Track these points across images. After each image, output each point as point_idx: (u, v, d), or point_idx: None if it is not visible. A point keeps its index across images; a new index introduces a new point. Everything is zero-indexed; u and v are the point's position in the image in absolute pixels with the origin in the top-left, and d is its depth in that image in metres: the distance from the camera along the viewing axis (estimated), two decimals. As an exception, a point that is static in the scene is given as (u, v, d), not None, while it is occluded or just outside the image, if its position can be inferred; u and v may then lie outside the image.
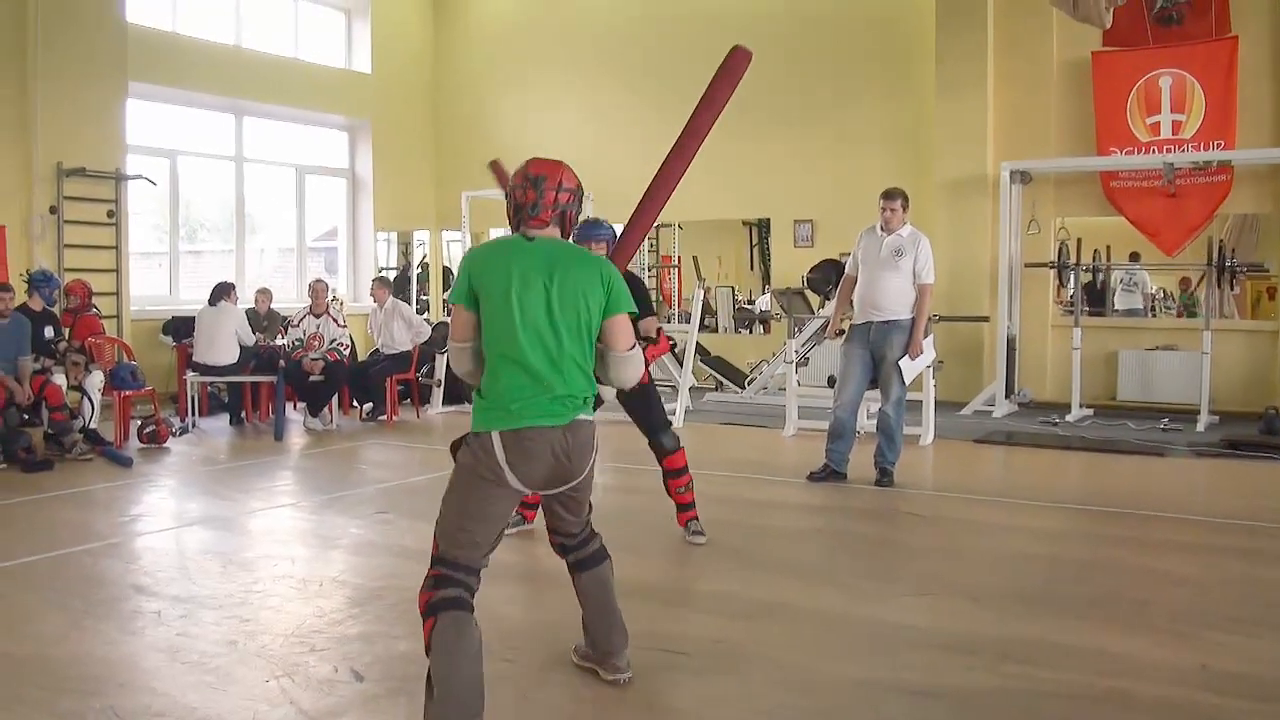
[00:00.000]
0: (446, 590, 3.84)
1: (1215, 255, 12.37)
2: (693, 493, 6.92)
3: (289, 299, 15.05)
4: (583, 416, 4.06)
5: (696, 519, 6.92)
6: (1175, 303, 15.90)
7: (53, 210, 12.75)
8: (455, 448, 4.08)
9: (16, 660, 4.82)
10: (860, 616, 5.41)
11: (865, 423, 9.95)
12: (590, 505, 4.45)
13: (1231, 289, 13.56)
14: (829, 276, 12.59)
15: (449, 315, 13.07)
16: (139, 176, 13.63)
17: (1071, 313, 13.13)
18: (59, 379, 10.15)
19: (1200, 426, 11.50)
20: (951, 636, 5.09)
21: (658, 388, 7.18)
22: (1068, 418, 12.13)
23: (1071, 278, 13.59)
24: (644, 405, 6.84)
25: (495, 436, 3.90)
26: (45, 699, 4.37)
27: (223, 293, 12.26)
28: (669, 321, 15.70)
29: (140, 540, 7.26)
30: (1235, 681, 4.54)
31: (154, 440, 10.63)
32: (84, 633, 5.23)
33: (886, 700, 4.34)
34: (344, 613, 5.47)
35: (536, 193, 4.10)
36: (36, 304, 10.59)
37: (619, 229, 5.83)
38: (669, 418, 7.03)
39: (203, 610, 5.56)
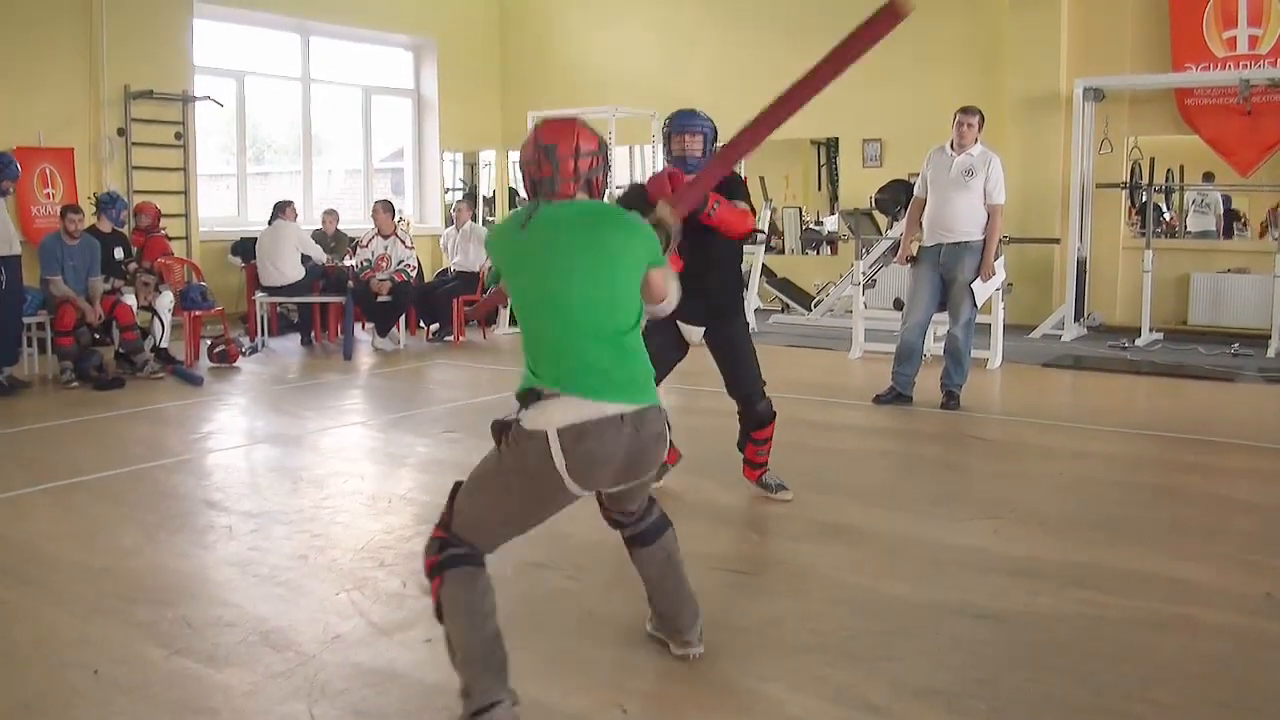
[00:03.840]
0: (454, 550, 3.46)
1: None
2: (768, 456, 6.14)
3: (356, 220, 15.10)
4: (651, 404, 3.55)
5: (769, 470, 6.15)
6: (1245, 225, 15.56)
7: (121, 133, 12.83)
8: (499, 432, 3.47)
9: (94, 571, 4.93)
10: (924, 540, 5.41)
11: (932, 345, 9.87)
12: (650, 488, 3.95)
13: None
14: (898, 197, 12.44)
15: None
16: (206, 98, 13.68)
17: (1143, 234, 12.91)
18: (129, 299, 10.27)
19: (1271, 352, 11.30)
20: (1017, 561, 5.08)
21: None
22: (1137, 342, 11.97)
23: (1144, 198, 13.35)
24: (734, 360, 5.95)
25: (553, 434, 3.34)
26: (121, 608, 4.47)
27: (279, 211, 12.30)
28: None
29: (211, 457, 7.37)
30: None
31: (224, 359, 10.76)
32: (158, 546, 5.33)
33: (949, 622, 4.34)
34: (412, 529, 5.53)
35: (552, 165, 3.50)
36: (105, 225, 10.69)
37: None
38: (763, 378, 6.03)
39: (273, 525, 5.66)
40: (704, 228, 5.39)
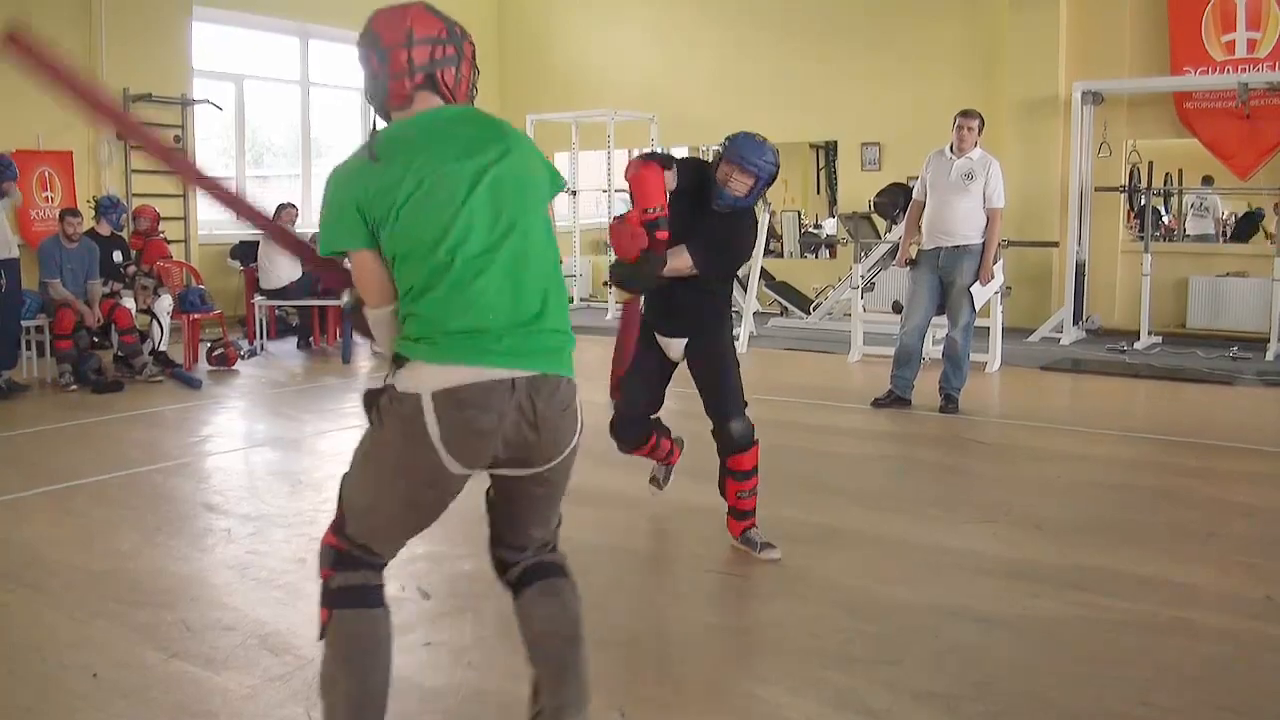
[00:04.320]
0: (350, 574, 2.93)
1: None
2: (756, 497, 5.24)
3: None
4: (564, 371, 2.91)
5: (756, 527, 5.25)
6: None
7: (120, 136, 12.82)
8: (370, 401, 2.91)
9: (94, 574, 4.94)
10: (923, 543, 5.41)
11: (931, 349, 9.88)
12: (560, 516, 3.24)
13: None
14: (896, 200, 12.43)
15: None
16: (205, 101, 13.68)
17: (1141, 238, 12.92)
18: (128, 302, 10.26)
19: (1270, 355, 11.29)
20: (1015, 564, 5.09)
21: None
22: (1136, 345, 11.97)
23: (1143, 202, 13.36)
24: (713, 374, 5.21)
25: (426, 399, 2.74)
26: (121, 611, 4.47)
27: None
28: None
29: (210, 460, 7.38)
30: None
31: (223, 363, 10.76)
32: (157, 549, 5.33)
33: (948, 625, 4.34)
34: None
35: (379, 61, 2.93)
36: (104, 229, 10.68)
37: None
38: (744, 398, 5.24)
39: (272, 528, 5.66)
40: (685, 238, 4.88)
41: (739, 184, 4.93)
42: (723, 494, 5.23)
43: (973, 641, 4.21)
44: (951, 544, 5.38)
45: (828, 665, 3.93)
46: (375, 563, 2.98)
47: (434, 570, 4.93)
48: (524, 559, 3.13)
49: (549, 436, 2.86)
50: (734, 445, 5.13)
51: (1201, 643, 4.21)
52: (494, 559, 3.20)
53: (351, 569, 2.94)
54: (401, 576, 4.83)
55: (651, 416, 5.47)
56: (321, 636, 2.94)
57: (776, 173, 5.00)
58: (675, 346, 5.25)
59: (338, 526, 2.97)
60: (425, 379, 2.73)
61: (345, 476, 2.97)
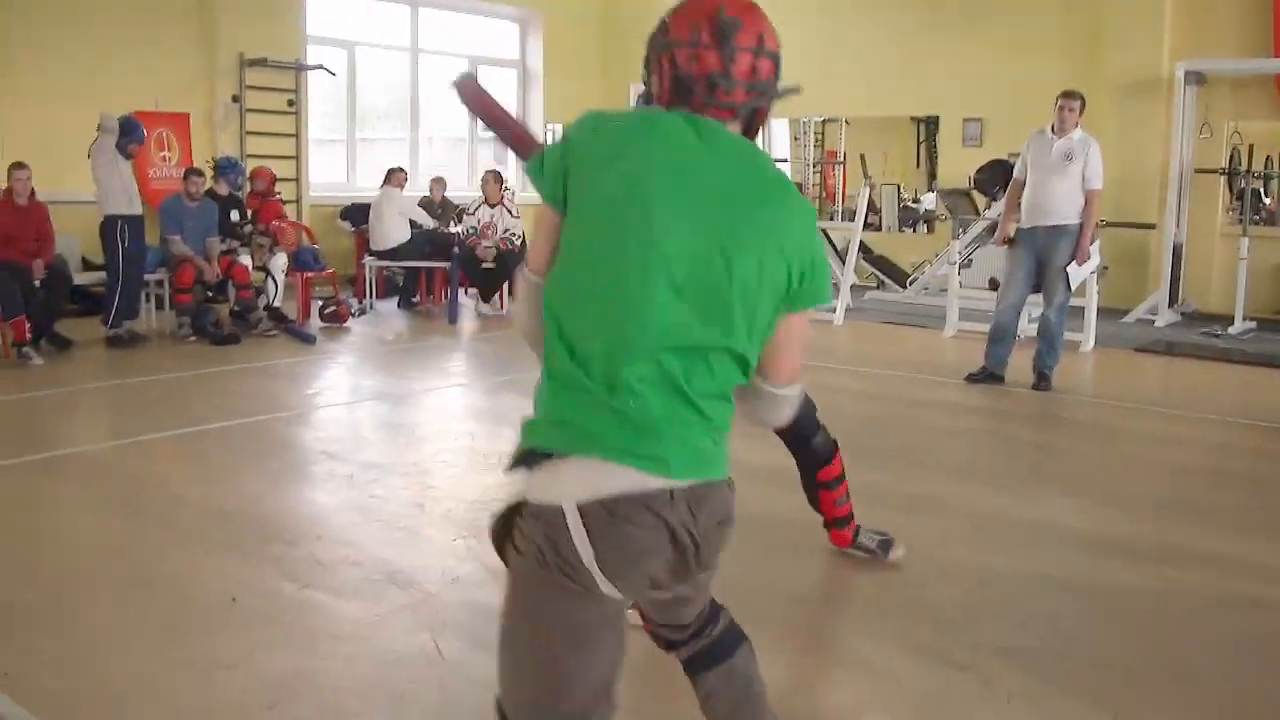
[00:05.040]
0: None
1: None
2: (851, 501, 4.87)
3: (459, 188, 15.43)
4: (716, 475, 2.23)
5: (860, 526, 4.90)
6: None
7: (235, 99, 13.23)
8: (499, 536, 2.29)
9: (227, 512, 5.28)
10: (1010, 515, 5.61)
11: (1026, 327, 9.99)
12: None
13: None
14: (996, 177, 12.51)
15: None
16: (319, 67, 14.06)
17: (1240, 222, 12.90)
18: (245, 259, 10.66)
19: (1369, 343, 11.29)
20: (1099, 538, 5.27)
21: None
22: (1230, 329, 11.98)
23: (1242, 185, 13.32)
24: None
25: (569, 509, 2.10)
26: (252, 546, 4.81)
27: (389, 177, 12.64)
28: (831, 219, 15.65)
29: (326, 412, 7.73)
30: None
31: (334, 320, 11.13)
32: (283, 491, 5.69)
33: (1031, 591, 4.57)
34: (520, 484, 5.81)
35: (724, 54, 2.16)
36: (222, 189, 11.07)
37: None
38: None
39: (390, 476, 5.98)
40: None
41: None
42: (815, 507, 4.87)
43: (1054, 608, 4.43)
44: (1038, 517, 5.57)
45: (915, 624, 4.15)
46: None
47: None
48: (684, 639, 2.64)
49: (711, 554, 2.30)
50: (817, 459, 4.72)
51: (1275, 617, 4.41)
52: (653, 637, 2.74)
53: None
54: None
55: None
56: None
57: None
58: None
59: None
60: None
61: (503, 675, 2.26)
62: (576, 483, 2.09)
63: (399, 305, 12.92)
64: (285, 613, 4.10)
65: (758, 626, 3.77)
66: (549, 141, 2.39)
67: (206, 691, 3.46)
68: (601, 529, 2.08)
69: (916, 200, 16.71)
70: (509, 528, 2.22)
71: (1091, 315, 10.72)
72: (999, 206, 10.39)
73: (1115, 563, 4.93)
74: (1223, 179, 13.33)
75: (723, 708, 2.63)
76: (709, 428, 2.16)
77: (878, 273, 14.85)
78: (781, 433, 4.48)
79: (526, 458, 2.17)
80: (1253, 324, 12.25)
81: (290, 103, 13.74)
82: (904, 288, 14.26)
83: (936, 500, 5.77)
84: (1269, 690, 3.78)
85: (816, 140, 17.01)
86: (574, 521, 2.08)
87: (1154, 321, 12.51)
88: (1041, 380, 8.70)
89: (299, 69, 13.84)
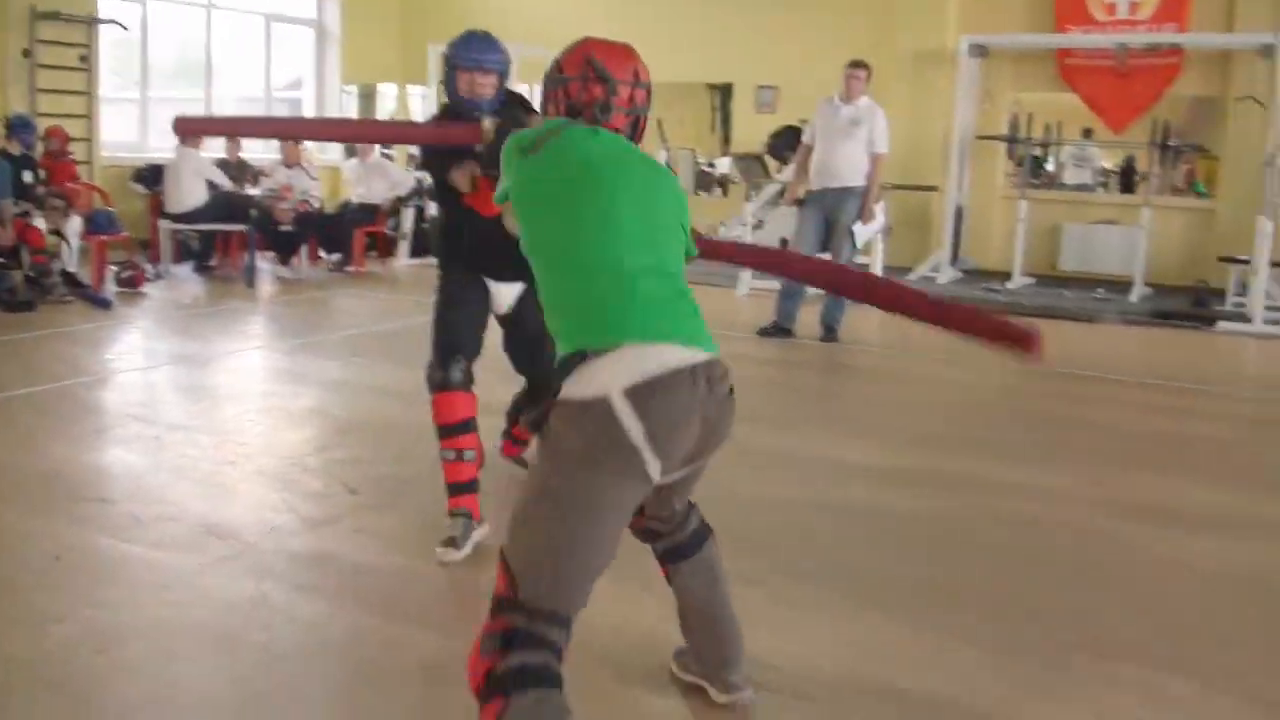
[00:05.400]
0: (526, 655, 2.51)
1: (1160, 134, 12.84)
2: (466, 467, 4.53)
3: (254, 149, 15.25)
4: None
5: (464, 512, 4.49)
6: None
7: (26, 54, 12.87)
8: (538, 422, 2.69)
9: (40, 473, 5.28)
10: (802, 453, 6.00)
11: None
12: None
13: (1174, 167, 14.12)
14: (788, 142, 12.96)
15: (416, 168, 13.43)
16: (112, 21, 13.75)
17: (1019, 186, 13.59)
18: (39, 223, 10.42)
19: (1133, 297, 12.05)
20: (882, 469, 5.72)
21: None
22: (1008, 285, 12.66)
23: (1020, 152, 14.03)
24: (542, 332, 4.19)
25: (616, 396, 2.54)
26: (69, 506, 4.84)
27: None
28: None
29: (130, 375, 7.70)
30: (1127, 510, 5.21)
31: (130, 285, 10.96)
32: (95, 453, 5.71)
33: (821, 518, 4.97)
34: (331, 439, 5.96)
35: (607, 89, 2.93)
36: (15, 148, 10.79)
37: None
38: None
39: (199, 436, 6.03)
40: None
41: (485, 85, 4.45)
42: (511, 422, 5.25)
43: (847, 527, 4.86)
44: (825, 454, 5.96)
45: (724, 549, 4.44)
46: (554, 636, 2.56)
47: (356, 471, 5.35)
48: (667, 530, 3.15)
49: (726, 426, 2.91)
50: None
51: (1038, 529, 4.92)
52: (636, 530, 3.13)
53: (527, 648, 2.52)
54: (326, 477, 5.28)
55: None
56: None
57: (509, 61, 4.59)
58: (508, 295, 4.69)
59: (505, 601, 2.59)
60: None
61: (516, 537, 2.64)
62: (618, 372, 2.55)
63: (195, 269, 12.74)
64: (108, 567, 4.19)
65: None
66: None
67: (40, 643, 3.53)
68: (644, 406, 2.53)
69: (711, 165, 17.12)
70: (540, 425, 2.64)
71: (877, 272, 11.22)
72: (790, 170, 10.78)
73: (896, 491, 5.36)
74: (1003, 146, 14.01)
75: (699, 592, 3.14)
76: (699, 314, 2.86)
77: (675, 235, 15.13)
78: (532, 374, 4.88)
79: (566, 363, 2.63)
80: (1031, 279, 12.97)
81: (83, 59, 13.41)
82: (700, 249, 14.58)
83: (735, 441, 6.00)
84: (1036, 590, 4.23)
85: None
86: (621, 406, 2.51)
87: (936, 279, 13.13)
88: (829, 333, 9.15)
89: (91, 23, 13.50)
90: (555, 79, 3.00)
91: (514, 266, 3.89)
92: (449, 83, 4.49)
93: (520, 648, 2.50)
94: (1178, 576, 4.48)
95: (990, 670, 3.56)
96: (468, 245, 4.53)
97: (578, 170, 2.82)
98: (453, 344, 4.48)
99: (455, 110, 4.49)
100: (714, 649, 3.19)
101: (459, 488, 4.48)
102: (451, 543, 4.33)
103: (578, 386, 2.57)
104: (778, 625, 3.77)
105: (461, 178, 4.29)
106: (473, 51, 4.48)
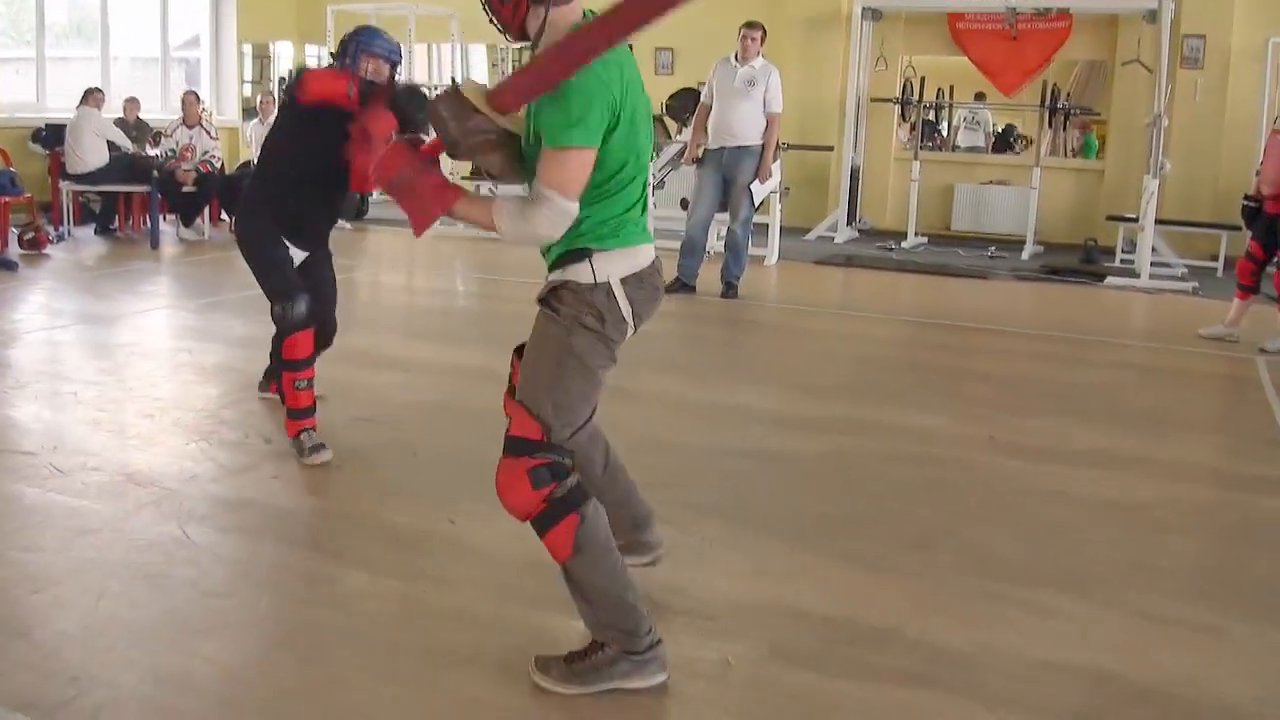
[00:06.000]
0: (568, 480, 3.12)
1: (1050, 97, 13.23)
2: (313, 392, 5.14)
3: (152, 110, 15.15)
4: None
5: (314, 429, 5.10)
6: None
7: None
8: (545, 299, 3.21)
9: (-46, 427, 5.38)
10: (704, 400, 6.26)
11: (714, 243, 10.67)
12: None
13: (1064, 130, 14.55)
14: (687, 104, 13.13)
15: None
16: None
17: (913, 147, 13.94)
18: (-61, 184, 10.37)
19: (1025, 255, 12.46)
20: (781, 415, 5.99)
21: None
22: (903, 244, 13.01)
23: (913, 114, 14.38)
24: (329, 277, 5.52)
25: (615, 284, 3.15)
26: (-11, 457, 4.96)
27: (85, 97, 12.33)
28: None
29: (39, 334, 7.72)
30: (1015, 449, 5.55)
31: (34, 246, 10.93)
32: (11, 409, 5.77)
33: (726, 460, 5.23)
34: (244, 393, 6.07)
35: None
36: (-87, 109, 10.72)
37: None
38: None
39: (114, 391, 6.14)
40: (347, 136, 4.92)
41: (382, 72, 5.02)
42: (275, 378, 5.56)
43: (745, 471, 5.11)
44: (728, 401, 6.23)
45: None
46: (570, 463, 3.18)
47: (270, 421, 5.50)
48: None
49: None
50: (282, 329, 5.14)
51: (934, 468, 5.23)
52: None
53: (567, 475, 3.13)
54: (242, 428, 5.43)
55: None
56: (574, 551, 3.07)
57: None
58: (297, 258, 5.21)
59: (536, 445, 3.12)
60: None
61: (542, 387, 3.15)
62: (617, 267, 3.15)
63: (96, 232, 12.69)
64: (34, 514, 4.30)
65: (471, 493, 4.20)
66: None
67: (-32, 587, 3.68)
68: (633, 291, 3.17)
69: (613, 126, 17.25)
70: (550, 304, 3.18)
71: (775, 231, 11.51)
72: (689, 131, 11.00)
73: (796, 434, 5.65)
74: (896, 108, 14.34)
75: (600, 460, 3.64)
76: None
77: (577, 195, 15.30)
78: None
79: (577, 255, 3.14)
80: (924, 239, 13.33)
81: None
82: (602, 209, 14.77)
83: (638, 391, 6.30)
84: (930, 521, 4.54)
85: (515, 66, 17.31)
86: (618, 291, 3.14)
87: (834, 239, 13.45)
88: (729, 289, 9.40)
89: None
90: None
91: (311, 238, 5.21)
92: (354, 64, 5.01)
93: (562, 477, 3.11)
94: (1061, 506, 4.79)
95: (887, 592, 3.84)
96: (293, 212, 5.12)
97: (625, 118, 3.05)
98: (296, 285, 5.08)
99: (367, 87, 4.88)
100: (626, 513, 3.69)
101: (308, 411, 5.09)
102: (319, 448, 4.97)
103: (588, 274, 3.13)
104: (684, 557, 4.01)
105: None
106: (382, 41, 5.10)
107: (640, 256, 3.22)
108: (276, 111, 6.01)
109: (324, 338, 5.44)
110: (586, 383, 3.21)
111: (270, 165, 5.27)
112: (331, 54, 5.31)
